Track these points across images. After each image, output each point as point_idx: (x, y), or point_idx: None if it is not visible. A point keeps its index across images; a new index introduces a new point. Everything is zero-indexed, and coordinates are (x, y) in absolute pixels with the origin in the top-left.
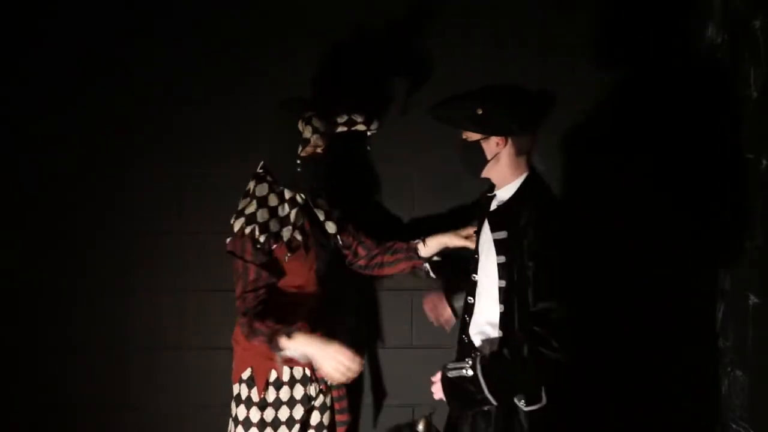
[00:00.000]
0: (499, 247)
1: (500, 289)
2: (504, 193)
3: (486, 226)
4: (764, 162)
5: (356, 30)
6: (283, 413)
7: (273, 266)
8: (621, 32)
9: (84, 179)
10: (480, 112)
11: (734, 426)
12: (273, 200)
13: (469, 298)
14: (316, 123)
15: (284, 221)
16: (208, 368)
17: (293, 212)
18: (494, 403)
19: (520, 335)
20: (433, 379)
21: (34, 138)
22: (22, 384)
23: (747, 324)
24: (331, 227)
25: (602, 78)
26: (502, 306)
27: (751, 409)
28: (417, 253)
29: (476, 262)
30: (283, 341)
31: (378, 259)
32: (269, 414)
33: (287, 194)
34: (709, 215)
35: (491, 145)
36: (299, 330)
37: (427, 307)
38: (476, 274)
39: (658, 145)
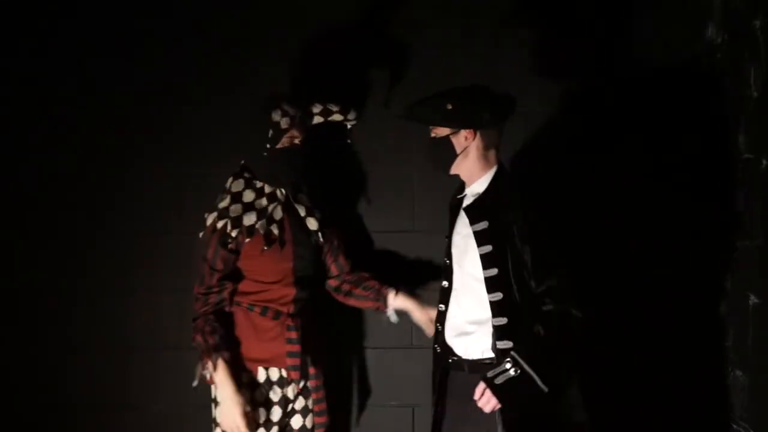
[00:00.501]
0: (481, 238)
1: (490, 278)
2: (476, 187)
3: (459, 227)
4: (764, 162)
5: (346, 25)
6: (260, 415)
7: (240, 265)
8: (621, 32)
9: (84, 179)
10: (450, 107)
11: (734, 426)
12: (249, 196)
13: (441, 306)
14: (287, 107)
15: (261, 215)
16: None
17: (271, 206)
18: (547, 389)
19: (540, 315)
20: (477, 394)
21: (34, 138)
22: (22, 384)
23: (747, 324)
24: (312, 223)
25: (602, 78)
26: (499, 294)
27: (751, 409)
28: (385, 300)
29: (448, 268)
30: (209, 365)
31: (347, 287)
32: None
33: (267, 189)
34: (709, 215)
35: (460, 140)
36: (223, 364)
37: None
38: (447, 281)
39: (658, 145)
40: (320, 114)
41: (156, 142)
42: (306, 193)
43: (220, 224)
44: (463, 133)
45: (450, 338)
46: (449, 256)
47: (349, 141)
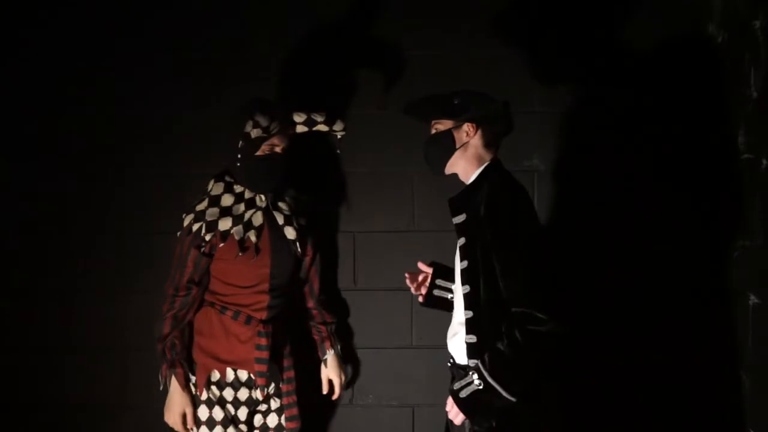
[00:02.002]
0: (460, 230)
1: (462, 270)
2: (468, 182)
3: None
4: (764, 162)
5: (345, 26)
6: (230, 412)
7: (215, 267)
8: (621, 32)
9: (84, 179)
10: (456, 101)
11: (734, 426)
12: (227, 200)
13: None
14: (259, 117)
15: (237, 220)
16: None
17: (250, 212)
18: (514, 400)
19: (505, 320)
20: (447, 407)
21: (34, 138)
22: (23, 384)
23: (747, 324)
24: (290, 233)
25: (602, 78)
26: (467, 287)
27: (751, 409)
28: (321, 352)
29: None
30: (164, 369)
31: (308, 313)
32: (218, 413)
33: (247, 194)
34: (709, 215)
35: (461, 134)
36: (177, 374)
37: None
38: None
39: (658, 144)
40: (304, 123)
41: (156, 142)
42: (291, 200)
43: (195, 227)
44: (465, 127)
45: (448, 341)
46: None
47: (338, 151)
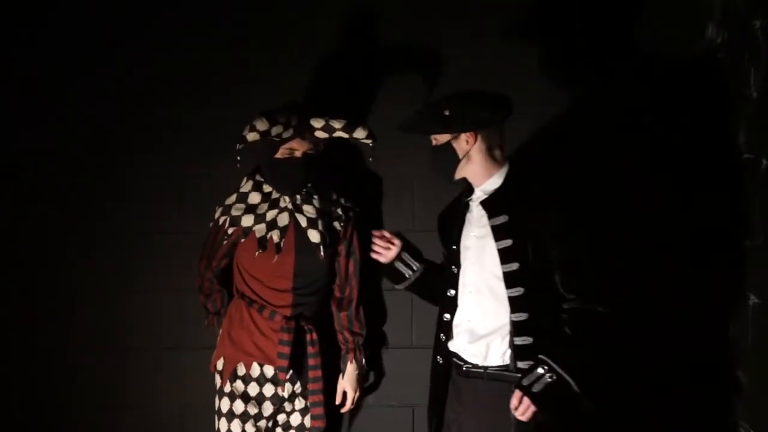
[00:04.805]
0: (501, 232)
1: (509, 273)
2: (489, 185)
3: (470, 229)
4: (764, 162)
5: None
6: (252, 408)
7: (241, 260)
8: (621, 32)
9: (84, 179)
10: (447, 113)
11: (734, 426)
12: (254, 198)
13: (445, 315)
14: (259, 124)
15: (259, 218)
16: (207, 368)
17: (274, 212)
18: (579, 391)
19: (566, 313)
20: (514, 403)
21: (34, 138)
22: (23, 384)
23: (747, 324)
24: (313, 236)
25: (602, 78)
26: (520, 289)
27: (751, 409)
28: (342, 362)
29: (454, 276)
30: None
31: (338, 319)
32: (238, 406)
33: (274, 195)
34: (709, 215)
35: (462, 144)
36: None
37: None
38: (453, 289)
39: (658, 144)
40: (322, 129)
41: (156, 142)
42: (319, 203)
43: (221, 220)
44: (464, 137)
45: (463, 345)
46: (457, 263)
47: (370, 159)
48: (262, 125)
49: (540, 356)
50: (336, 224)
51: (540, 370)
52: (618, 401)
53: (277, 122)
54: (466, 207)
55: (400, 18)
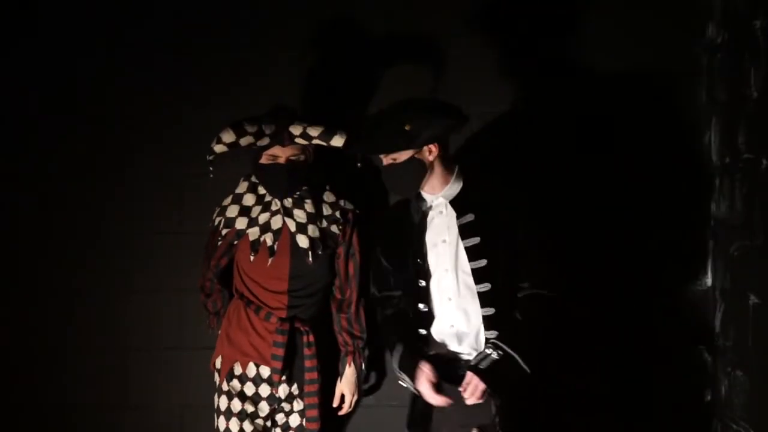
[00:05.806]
0: (468, 230)
1: (477, 270)
2: (450, 190)
3: (436, 235)
4: (764, 162)
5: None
6: (249, 407)
7: (238, 261)
8: (621, 32)
9: (84, 179)
10: (408, 127)
11: (734, 426)
12: (249, 200)
13: (421, 330)
14: (225, 136)
15: (253, 221)
16: (207, 368)
17: (266, 214)
18: (529, 371)
19: (519, 299)
20: (464, 384)
21: (34, 138)
22: (22, 384)
23: (747, 324)
24: (301, 240)
25: (602, 78)
26: (487, 284)
27: (751, 409)
28: (342, 365)
29: (424, 289)
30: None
31: (338, 321)
32: (236, 405)
33: (267, 197)
34: (708, 215)
35: (424, 155)
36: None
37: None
38: (424, 303)
39: (657, 144)
40: (301, 137)
41: (156, 142)
42: (312, 206)
43: (216, 221)
44: (426, 148)
45: (455, 348)
46: (425, 276)
47: (359, 165)
48: (228, 137)
49: (490, 339)
50: (334, 227)
51: (488, 351)
52: (616, 401)
53: (246, 133)
54: (424, 217)
55: (400, 18)
